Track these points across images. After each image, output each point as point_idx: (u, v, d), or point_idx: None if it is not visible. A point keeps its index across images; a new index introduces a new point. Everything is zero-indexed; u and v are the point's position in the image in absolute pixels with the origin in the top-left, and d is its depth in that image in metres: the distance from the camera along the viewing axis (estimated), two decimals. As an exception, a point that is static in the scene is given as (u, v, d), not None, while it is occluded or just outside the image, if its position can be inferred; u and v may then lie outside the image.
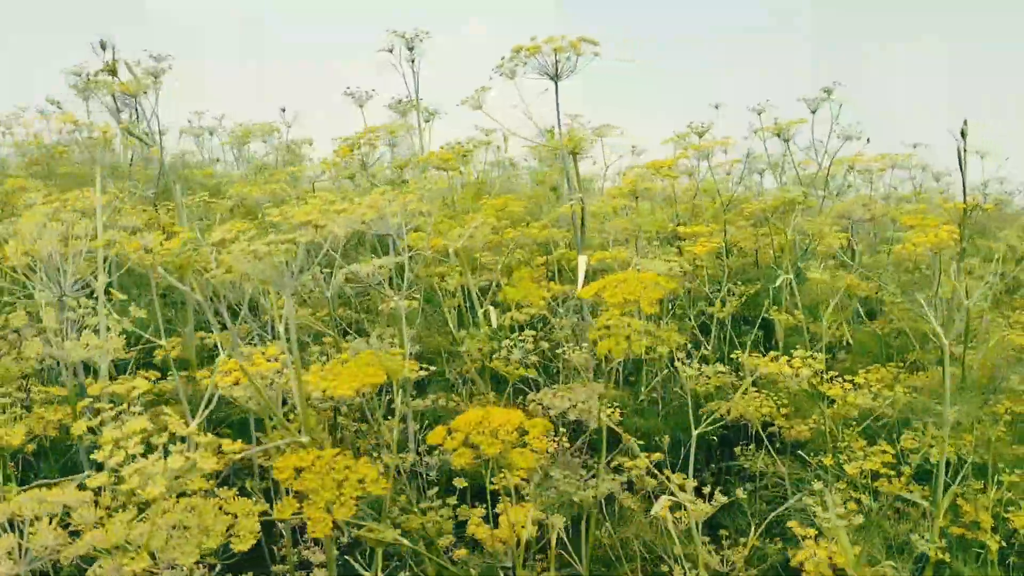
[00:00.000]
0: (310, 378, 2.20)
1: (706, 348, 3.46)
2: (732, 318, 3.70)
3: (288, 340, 1.79)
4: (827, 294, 3.26)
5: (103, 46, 4.60)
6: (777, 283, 3.53)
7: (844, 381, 2.78)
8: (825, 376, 2.74)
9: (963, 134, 2.69)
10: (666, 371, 3.34)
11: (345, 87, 5.23)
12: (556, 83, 2.95)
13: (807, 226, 3.79)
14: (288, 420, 2.12)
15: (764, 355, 2.83)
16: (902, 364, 3.39)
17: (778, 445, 3.13)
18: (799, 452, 2.99)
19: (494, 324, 3.17)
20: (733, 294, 3.73)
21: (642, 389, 3.24)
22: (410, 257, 2.83)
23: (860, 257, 4.23)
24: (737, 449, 3.12)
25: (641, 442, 2.95)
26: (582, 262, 3.07)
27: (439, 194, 3.11)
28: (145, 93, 4.65)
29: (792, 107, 4.80)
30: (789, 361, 2.62)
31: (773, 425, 3.09)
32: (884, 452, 2.68)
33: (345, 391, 2.15)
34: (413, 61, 4.86)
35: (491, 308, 3.19)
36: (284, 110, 6.69)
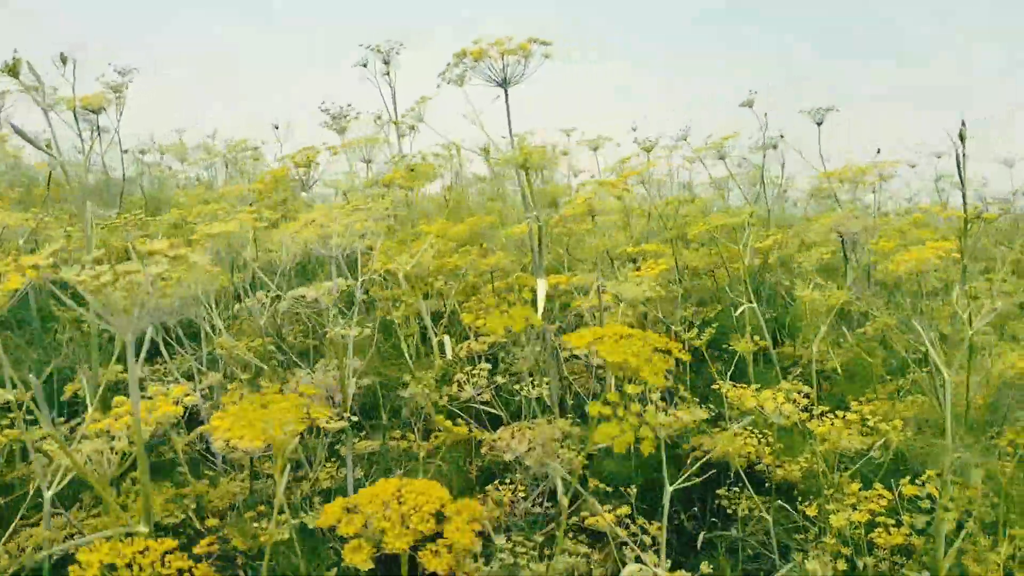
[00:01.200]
0: (215, 423, 1.82)
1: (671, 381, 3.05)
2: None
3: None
4: (816, 315, 2.86)
5: (63, 60, 4.23)
6: (738, 312, 3.10)
7: (834, 416, 2.37)
8: (813, 411, 2.33)
9: (961, 137, 2.28)
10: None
11: (320, 102, 4.91)
12: (506, 90, 2.59)
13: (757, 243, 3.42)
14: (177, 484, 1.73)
15: (735, 387, 2.45)
16: (896, 389, 2.98)
17: (767, 485, 2.74)
18: (791, 494, 2.60)
19: (448, 355, 2.78)
20: (692, 323, 3.34)
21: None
22: (362, 282, 2.46)
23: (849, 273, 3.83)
24: (722, 491, 2.72)
25: (609, 488, 2.56)
26: (541, 287, 2.68)
27: (386, 214, 2.73)
28: (104, 109, 4.27)
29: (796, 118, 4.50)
30: (774, 395, 2.24)
31: (760, 463, 2.70)
32: (880, 497, 2.27)
33: (251, 442, 1.77)
34: (388, 74, 4.54)
35: (446, 338, 2.80)
36: (277, 127, 6.34)
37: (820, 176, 4.14)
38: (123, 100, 4.18)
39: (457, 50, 2.52)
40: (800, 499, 2.52)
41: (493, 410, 2.86)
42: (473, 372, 2.43)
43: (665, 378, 2.14)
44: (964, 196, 2.34)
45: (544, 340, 2.91)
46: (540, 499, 2.58)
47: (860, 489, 2.30)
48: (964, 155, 2.29)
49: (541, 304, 2.69)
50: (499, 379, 2.44)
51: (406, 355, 2.80)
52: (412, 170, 2.83)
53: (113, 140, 4.42)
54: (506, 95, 2.62)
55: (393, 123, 4.63)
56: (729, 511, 2.71)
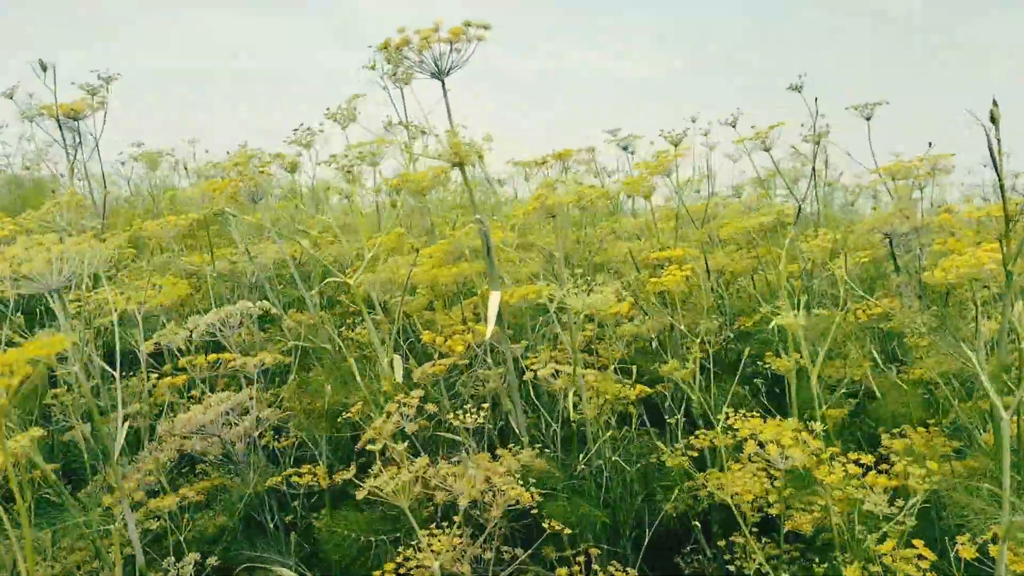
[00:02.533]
0: None
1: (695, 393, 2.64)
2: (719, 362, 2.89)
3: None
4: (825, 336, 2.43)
5: (43, 67, 4.11)
6: (772, 324, 2.66)
7: (848, 463, 1.90)
8: (822, 455, 1.88)
9: (993, 119, 1.79)
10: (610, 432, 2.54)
11: (325, 108, 4.69)
12: (443, 81, 2.29)
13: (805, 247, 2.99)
14: None
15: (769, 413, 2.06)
16: (939, 425, 2.52)
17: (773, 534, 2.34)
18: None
19: (399, 377, 2.47)
20: (722, 333, 2.93)
21: (578, 459, 2.45)
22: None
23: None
24: (722, 543, 2.30)
25: (569, 531, 2.19)
26: (494, 300, 2.34)
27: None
28: (82, 116, 4.12)
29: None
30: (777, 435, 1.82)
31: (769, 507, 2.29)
32: (920, 558, 1.80)
33: None
34: (396, 74, 4.30)
35: (397, 357, 2.49)
36: (296, 129, 6.16)
37: (874, 171, 3.65)
38: (104, 104, 4.05)
39: (380, 41, 2.24)
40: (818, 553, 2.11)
41: (457, 437, 2.55)
42: (403, 401, 2.09)
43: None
44: (1003, 190, 1.86)
45: (506, 362, 2.57)
46: (490, 541, 2.24)
47: (894, 548, 1.84)
48: (999, 140, 1.81)
49: (492, 319, 2.36)
50: (430, 407, 2.10)
51: (358, 378, 2.50)
52: (349, 172, 2.53)
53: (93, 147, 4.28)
54: (443, 86, 2.32)
55: (403, 125, 4.40)
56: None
